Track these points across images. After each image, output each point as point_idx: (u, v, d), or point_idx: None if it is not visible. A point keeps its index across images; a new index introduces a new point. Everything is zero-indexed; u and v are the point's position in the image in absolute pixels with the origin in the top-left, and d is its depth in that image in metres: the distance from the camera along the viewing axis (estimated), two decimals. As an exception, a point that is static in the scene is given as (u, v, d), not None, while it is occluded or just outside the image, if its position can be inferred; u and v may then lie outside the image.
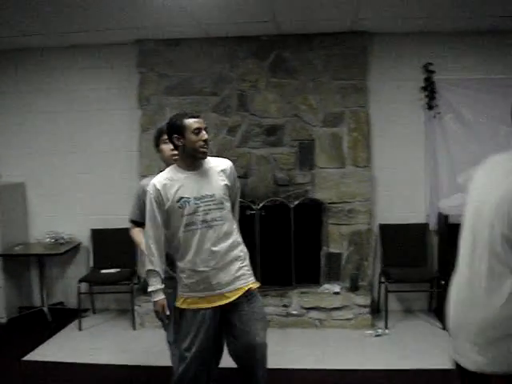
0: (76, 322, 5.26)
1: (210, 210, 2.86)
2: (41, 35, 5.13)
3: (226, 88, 5.39)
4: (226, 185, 2.95)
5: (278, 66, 5.34)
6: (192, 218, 2.84)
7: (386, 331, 4.89)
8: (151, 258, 2.89)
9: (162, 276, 2.92)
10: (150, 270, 2.91)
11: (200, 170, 2.92)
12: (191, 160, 2.90)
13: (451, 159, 5.27)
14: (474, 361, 1.96)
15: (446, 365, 4.06)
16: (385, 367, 4.16)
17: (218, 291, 2.89)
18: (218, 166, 3.00)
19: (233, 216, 3.04)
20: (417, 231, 5.40)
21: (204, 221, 2.85)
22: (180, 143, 2.87)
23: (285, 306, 5.09)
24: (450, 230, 4.86)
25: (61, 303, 5.81)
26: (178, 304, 2.96)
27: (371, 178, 5.35)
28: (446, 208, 5.17)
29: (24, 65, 5.70)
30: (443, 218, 5.07)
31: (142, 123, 5.44)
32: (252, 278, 3.01)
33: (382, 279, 5.25)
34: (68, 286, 5.73)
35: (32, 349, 4.68)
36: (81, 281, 5.26)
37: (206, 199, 2.86)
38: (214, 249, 2.86)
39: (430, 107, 5.27)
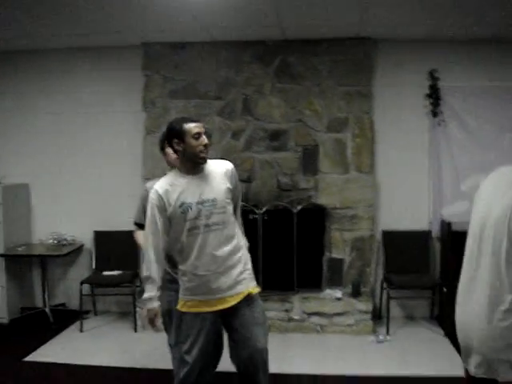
0: (77, 323, 5.26)
1: (211, 214, 2.85)
2: (47, 37, 5.15)
3: (230, 92, 5.40)
4: (227, 188, 2.94)
5: (282, 70, 5.35)
6: (195, 222, 2.83)
7: (388, 337, 4.88)
8: (148, 265, 2.87)
9: (159, 283, 2.88)
10: (146, 277, 2.89)
11: (201, 174, 2.91)
12: (191, 164, 2.89)
13: (455, 166, 5.27)
14: (478, 368, 2.00)
15: (447, 372, 4.07)
16: (386, 373, 4.15)
17: (219, 295, 2.88)
18: (219, 168, 2.98)
19: (235, 218, 3.04)
20: (419, 238, 5.39)
21: (206, 225, 2.84)
22: (180, 148, 2.86)
23: (286, 310, 5.09)
24: (452, 238, 4.86)
25: (63, 304, 5.81)
26: (179, 307, 2.96)
27: (374, 184, 5.35)
28: (449, 215, 5.18)
29: (28, 66, 5.73)
30: (446, 226, 5.06)
31: (147, 126, 5.46)
32: (253, 283, 3.01)
33: (384, 285, 5.24)
34: (70, 287, 5.74)
35: (33, 349, 4.69)
36: (83, 282, 5.26)
37: (207, 203, 2.85)
38: (216, 253, 2.86)
39: (435, 114, 5.27)
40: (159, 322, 2.96)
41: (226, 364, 3.11)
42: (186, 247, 2.87)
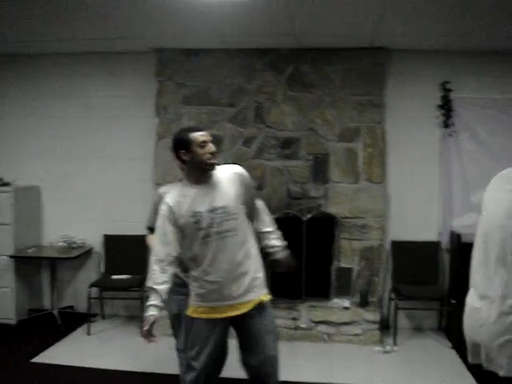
0: (85, 326, 5.28)
1: (223, 221, 2.83)
2: (61, 42, 5.20)
3: (243, 99, 5.42)
4: (237, 193, 2.91)
5: (295, 79, 5.37)
6: (207, 231, 2.82)
7: (395, 348, 4.86)
8: (152, 275, 2.87)
9: (162, 295, 2.85)
10: (148, 287, 2.89)
11: (210, 183, 2.88)
12: (200, 173, 2.87)
13: (466, 178, 5.25)
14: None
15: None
16: (392, 384, 4.14)
17: (230, 302, 2.88)
18: (227, 174, 2.94)
19: (250, 221, 3.01)
20: (429, 249, 5.38)
21: (219, 232, 2.82)
22: (187, 158, 2.84)
23: (294, 318, 5.08)
24: (462, 249, 4.83)
25: (70, 307, 5.83)
26: (189, 313, 2.97)
27: (385, 194, 5.35)
28: (458, 227, 5.15)
29: (43, 70, 5.77)
30: (456, 237, 5.04)
31: (159, 131, 5.48)
32: (264, 291, 3.00)
33: (392, 296, 5.22)
34: (78, 290, 5.75)
35: (41, 351, 4.71)
36: (91, 285, 5.29)
37: (219, 211, 2.83)
38: (228, 260, 2.85)
39: (446, 125, 5.27)
40: (153, 338, 2.93)
41: (231, 371, 3.10)
42: (198, 255, 2.86)
